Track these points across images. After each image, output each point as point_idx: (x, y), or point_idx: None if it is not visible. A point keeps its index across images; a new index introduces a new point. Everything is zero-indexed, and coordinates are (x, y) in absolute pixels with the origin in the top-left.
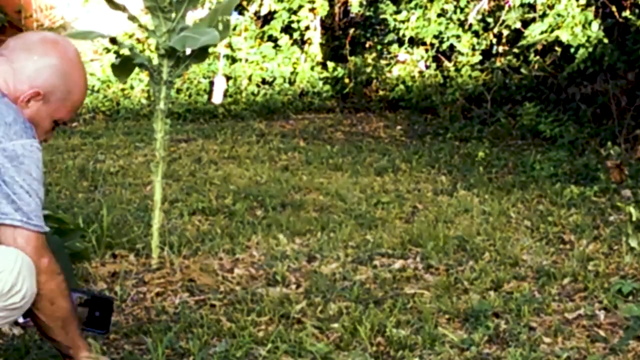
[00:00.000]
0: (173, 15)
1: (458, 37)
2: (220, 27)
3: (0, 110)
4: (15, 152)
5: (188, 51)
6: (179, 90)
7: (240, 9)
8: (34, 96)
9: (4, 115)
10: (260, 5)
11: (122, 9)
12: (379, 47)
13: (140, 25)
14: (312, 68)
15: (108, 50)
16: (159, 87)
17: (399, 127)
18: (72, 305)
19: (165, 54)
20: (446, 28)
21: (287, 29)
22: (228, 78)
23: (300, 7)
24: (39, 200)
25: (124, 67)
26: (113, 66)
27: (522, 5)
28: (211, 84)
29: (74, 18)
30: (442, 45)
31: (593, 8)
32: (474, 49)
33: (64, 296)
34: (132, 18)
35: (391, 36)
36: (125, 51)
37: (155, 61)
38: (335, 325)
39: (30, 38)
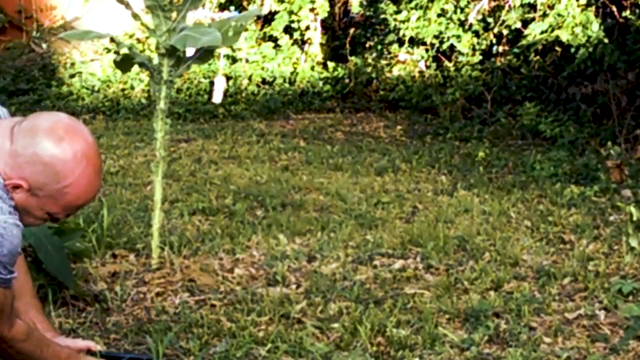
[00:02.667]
0: (173, 14)
1: (458, 37)
2: (231, 32)
3: None
4: None
5: (191, 52)
6: (179, 90)
7: (241, 9)
8: (16, 186)
9: None
10: (261, 5)
11: (126, 4)
12: (379, 47)
13: (143, 24)
14: (312, 68)
15: (108, 50)
16: (159, 86)
17: (399, 127)
18: (32, 334)
19: (166, 53)
20: (446, 28)
21: (288, 29)
22: (228, 78)
23: (301, 7)
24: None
25: (125, 63)
26: (115, 62)
27: (522, 5)
28: (211, 84)
29: (75, 18)
30: (442, 45)
31: (593, 8)
32: (474, 49)
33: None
34: (135, 16)
35: (391, 36)
36: (124, 50)
37: (156, 61)
38: (335, 325)
39: (42, 122)
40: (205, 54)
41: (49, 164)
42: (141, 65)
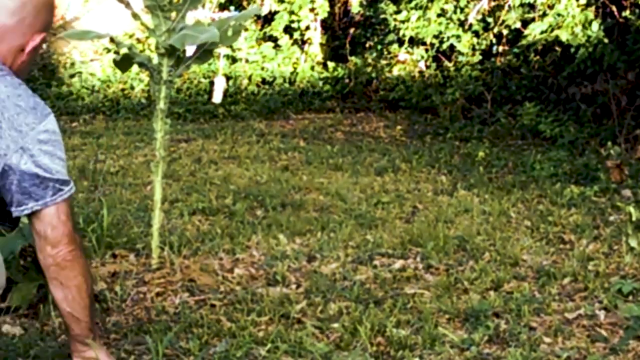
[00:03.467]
0: (173, 14)
1: (458, 37)
2: (230, 32)
3: (21, 95)
4: (45, 135)
5: (191, 52)
6: (179, 90)
7: (241, 9)
8: (43, 40)
9: (25, 101)
10: (261, 5)
11: (126, 4)
12: (379, 47)
13: (143, 23)
14: (312, 68)
15: (108, 50)
16: (159, 86)
17: (399, 127)
18: (92, 286)
19: (165, 53)
20: (446, 28)
21: (287, 29)
22: (228, 78)
23: (301, 7)
24: (64, 164)
25: (125, 62)
26: (114, 61)
27: (522, 5)
28: (211, 84)
29: (75, 18)
30: (442, 45)
31: (593, 8)
32: (474, 49)
33: (89, 273)
34: (135, 15)
35: (391, 36)
36: (124, 50)
37: (156, 60)
38: (335, 325)
39: None
40: (205, 54)
41: (47, 2)
42: (141, 65)
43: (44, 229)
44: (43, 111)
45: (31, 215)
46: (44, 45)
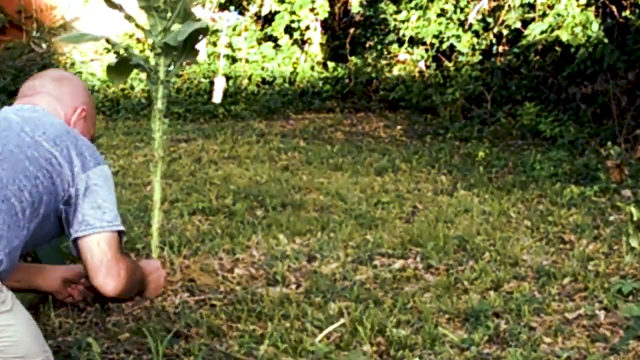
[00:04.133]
0: (169, 14)
1: (458, 37)
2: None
3: (82, 139)
4: (102, 174)
5: (203, 53)
6: (179, 90)
7: (241, 9)
8: (81, 113)
9: (86, 143)
10: (261, 5)
11: (119, 8)
12: (379, 47)
13: (137, 25)
14: (312, 68)
15: (108, 50)
16: (156, 86)
17: (399, 127)
18: (140, 274)
19: (161, 53)
20: (446, 28)
21: (288, 29)
22: (228, 78)
23: (301, 7)
24: (115, 208)
25: (121, 68)
26: (109, 68)
27: (522, 5)
28: (211, 83)
29: (75, 18)
30: (442, 45)
31: (593, 8)
32: (474, 49)
33: (138, 279)
34: (129, 17)
35: (391, 36)
36: (121, 51)
37: (153, 61)
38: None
39: (50, 73)
40: (190, 47)
41: (82, 85)
42: (137, 66)
43: (84, 256)
44: (101, 158)
45: (77, 241)
46: (44, 45)
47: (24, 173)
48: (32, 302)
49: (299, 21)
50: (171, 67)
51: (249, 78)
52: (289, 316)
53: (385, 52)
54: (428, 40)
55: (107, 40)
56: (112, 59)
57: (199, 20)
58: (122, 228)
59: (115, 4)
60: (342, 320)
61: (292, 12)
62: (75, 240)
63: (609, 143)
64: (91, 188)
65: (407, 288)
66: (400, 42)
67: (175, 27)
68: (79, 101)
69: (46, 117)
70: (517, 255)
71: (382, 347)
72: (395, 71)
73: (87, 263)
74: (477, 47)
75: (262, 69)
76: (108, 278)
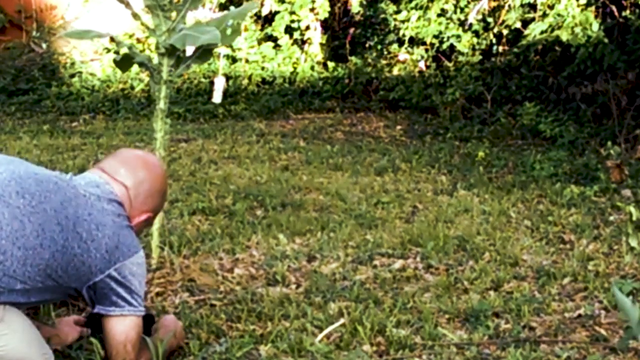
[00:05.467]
0: (173, 14)
1: (458, 37)
2: (229, 31)
3: (125, 234)
4: (137, 262)
5: (190, 51)
6: (179, 90)
7: None
8: (147, 219)
9: (127, 233)
10: (261, 5)
11: (126, 4)
12: (379, 47)
13: (142, 23)
14: (312, 68)
15: (108, 50)
16: (159, 86)
17: (399, 127)
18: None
19: (166, 53)
20: (446, 28)
21: (288, 29)
22: (228, 78)
23: (302, 6)
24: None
25: (125, 62)
26: (115, 61)
27: (522, 5)
28: (211, 83)
29: (74, 18)
30: (442, 45)
31: (593, 8)
32: (474, 49)
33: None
34: (135, 15)
35: (391, 36)
36: (124, 50)
37: (156, 60)
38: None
39: (137, 162)
40: (205, 53)
41: (161, 191)
42: (141, 65)
43: (105, 333)
44: (137, 245)
45: (103, 317)
46: (44, 45)
47: (50, 235)
48: None
49: (299, 21)
50: (179, 68)
51: (249, 78)
52: (289, 316)
53: (385, 52)
54: (428, 40)
55: (112, 38)
56: (112, 58)
57: (208, 26)
58: (144, 313)
59: (123, 0)
60: (342, 320)
61: (292, 12)
62: (101, 315)
63: (609, 143)
64: (126, 278)
65: (407, 288)
66: (400, 42)
67: (180, 26)
68: (150, 206)
69: (101, 202)
70: (517, 255)
71: (382, 347)
72: (395, 71)
73: (108, 342)
74: (477, 47)
75: (262, 69)
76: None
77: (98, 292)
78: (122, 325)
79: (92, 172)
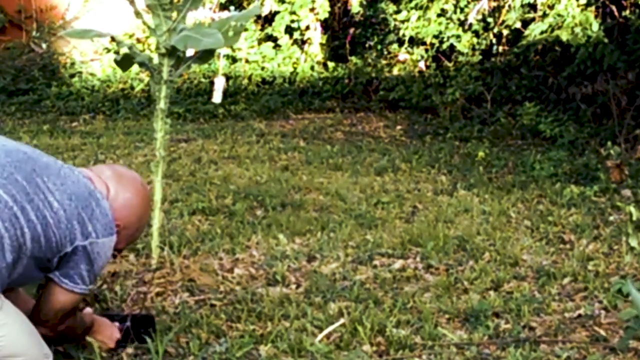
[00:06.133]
0: (174, 14)
1: (458, 37)
2: (231, 33)
3: (103, 207)
4: (107, 246)
5: (191, 52)
6: (179, 90)
7: (241, 9)
8: (116, 227)
9: (104, 211)
10: (262, 5)
11: (130, 1)
12: (379, 47)
13: (144, 23)
14: (312, 68)
15: (108, 50)
16: (159, 86)
17: (399, 127)
18: (74, 320)
19: (166, 53)
20: (446, 28)
21: (287, 29)
22: (228, 78)
23: (302, 6)
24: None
25: (125, 62)
26: (115, 60)
27: (522, 5)
28: (211, 83)
29: (74, 18)
30: (442, 45)
31: (593, 8)
32: (474, 49)
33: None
34: (137, 14)
35: (391, 36)
36: (125, 50)
37: (156, 60)
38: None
39: (124, 171)
40: (206, 54)
41: (138, 207)
42: (141, 65)
43: (45, 294)
44: (114, 229)
45: (50, 281)
46: (44, 45)
47: (22, 204)
48: None
49: (299, 21)
50: (180, 69)
51: (249, 78)
52: (289, 316)
53: (385, 52)
54: (428, 40)
55: (112, 38)
56: (112, 58)
57: (209, 27)
58: (87, 293)
59: None
60: (342, 320)
61: (292, 12)
62: (49, 278)
63: (609, 143)
64: (94, 255)
65: (407, 288)
66: (400, 42)
67: (181, 26)
68: (124, 217)
69: (75, 175)
70: (517, 255)
71: (382, 347)
72: (395, 71)
73: (43, 301)
74: (477, 47)
75: (262, 69)
76: (42, 323)
77: (64, 260)
78: (65, 297)
79: (77, 168)
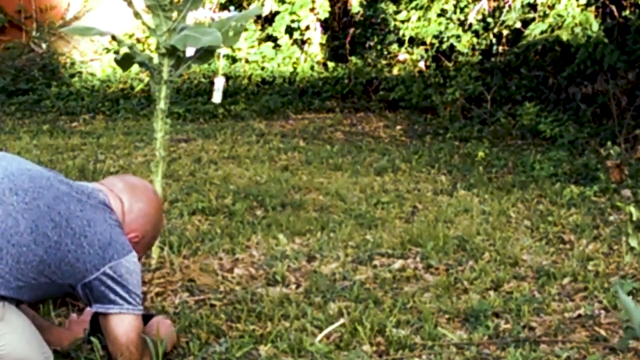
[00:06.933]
0: (174, 14)
1: (458, 37)
2: (231, 33)
3: (117, 233)
4: (131, 262)
5: (191, 52)
6: (178, 90)
7: (240, 9)
8: (133, 239)
9: (118, 232)
10: (262, 5)
11: (129, 2)
12: (379, 47)
13: (143, 23)
14: (312, 68)
15: (108, 50)
16: (159, 86)
17: (399, 127)
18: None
19: (166, 53)
20: (446, 28)
21: (287, 29)
22: (228, 78)
23: (302, 6)
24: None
25: (125, 61)
26: (115, 60)
27: (522, 5)
28: (211, 83)
29: (74, 18)
30: (442, 45)
31: (593, 8)
32: (474, 49)
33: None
34: (137, 14)
35: (391, 36)
36: (125, 50)
37: (156, 60)
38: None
39: (135, 181)
40: (206, 54)
41: (153, 215)
42: (141, 64)
43: (107, 334)
44: (130, 247)
45: (102, 315)
46: (44, 45)
47: (44, 231)
48: (32, 302)
49: (299, 21)
50: (180, 69)
51: (249, 78)
52: (288, 316)
53: (385, 52)
54: (428, 40)
55: (113, 37)
56: (112, 58)
57: (209, 27)
58: (142, 312)
59: None
60: (342, 320)
61: (292, 12)
62: (100, 313)
63: (609, 143)
64: (122, 276)
65: (407, 288)
66: (400, 42)
67: (181, 26)
68: (140, 227)
69: (92, 200)
70: (517, 255)
71: (382, 347)
72: (395, 71)
73: (110, 341)
74: (477, 47)
75: (262, 69)
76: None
77: (95, 291)
78: (122, 327)
79: (90, 184)
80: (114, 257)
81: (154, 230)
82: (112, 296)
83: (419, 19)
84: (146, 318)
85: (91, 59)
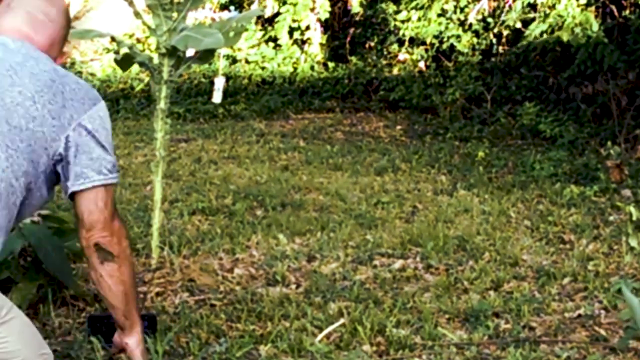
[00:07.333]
0: (174, 14)
1: (458, 37)
2: (232, 33)
3: (69, 81)
4: (98, 117)
5: (192, 52)
6: (178, 90)
7: (240, 10)
8: (64, 58)
9: (75, 85)
10: (264, 7)
11: (129, 2)
12: (379, 47)
13: (144, 23)
14: (312, 68)
15: (108, 50)
16: (160, 86)
17: (399, 127)
18: (134, 275)
19: (166, 53)
20: (446, 28)
21: (288, 29)
22: (228, 78)
23: (304, 7)
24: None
25: (125, 61)
26: (116, 60)
27: (522, 5)
28: (211, 83)
29: (74, 18)
30: (442, 45)
31: (593, 8)
32: (474, 49)
33: (130, 262)
34: (137, 14)
35: (391, 36)
36: (125, 50)
37: (156, 60)
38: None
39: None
40: (206, 54)
41: (66, 10)
42: (141, 64)
43: (81, 211)
44: (97, 95)
45: (74, 195)
46: None
47: (13, 147)
48: (32, 302)
49: (299, 21)
50: (180, 69)
51: (249, 78)
52: (288, 316)
53: (385, 52)
54: (428, 40)
55: (112, 38)
56: (112, 58)
57: (210, 27)
58: (117, 180)
59: None
60: (342, 320)
61: (294, 13)
62: (72, 194)
63: (609, 143)
64: (85, 139)
65: (407, 288)
66: (401, 42)
67: (181, 26)
68: (59, 31)
69: (29, 61)
70: (517, 255)
71: (382, 347)
72: (395, 71)
73: (84, 219)
74: (477, 47)
75: (262, 69)
76: (105, 231)
77: (66, 164)
78: (96, 202)
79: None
80: (74, 117)
81: (63, 21)
82: (86, 161)
83: (419, 19)
84: (147, 318)
85: (91, 59)
